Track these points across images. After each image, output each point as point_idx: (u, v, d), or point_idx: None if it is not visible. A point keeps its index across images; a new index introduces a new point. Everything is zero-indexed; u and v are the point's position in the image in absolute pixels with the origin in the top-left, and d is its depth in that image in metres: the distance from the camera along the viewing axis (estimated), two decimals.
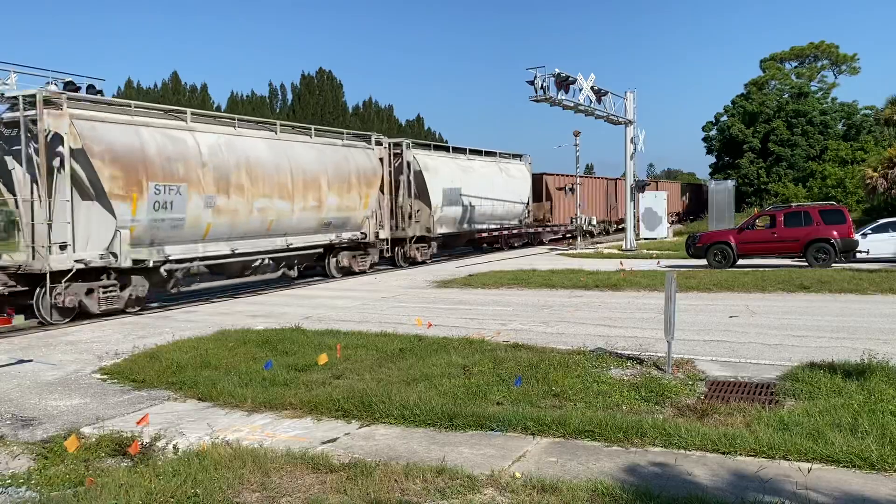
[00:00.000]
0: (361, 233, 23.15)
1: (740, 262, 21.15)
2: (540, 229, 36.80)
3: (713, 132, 61.25)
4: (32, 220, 13.98)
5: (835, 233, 20.00)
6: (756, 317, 12.48)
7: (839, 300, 14.37)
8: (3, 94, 14.45)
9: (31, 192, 14.09)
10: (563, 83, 25.20)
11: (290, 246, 19.94)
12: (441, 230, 27.81)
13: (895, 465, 5.26)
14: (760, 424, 6.13)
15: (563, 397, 7.29)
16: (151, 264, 15.55)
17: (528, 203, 35.19)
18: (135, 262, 15.16)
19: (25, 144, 14.06)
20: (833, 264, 19.82)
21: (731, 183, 43.91)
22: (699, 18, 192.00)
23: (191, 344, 10.73)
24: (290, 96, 63.79)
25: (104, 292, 14.90)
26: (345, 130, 23.81)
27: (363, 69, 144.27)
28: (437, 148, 29.80)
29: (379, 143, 24.47)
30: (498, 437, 6.35)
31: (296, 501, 4.98)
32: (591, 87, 26.80)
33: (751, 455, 5.59)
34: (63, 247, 14.14)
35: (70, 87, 15.94)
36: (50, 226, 14.00)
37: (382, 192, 24.42)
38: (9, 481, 5.68)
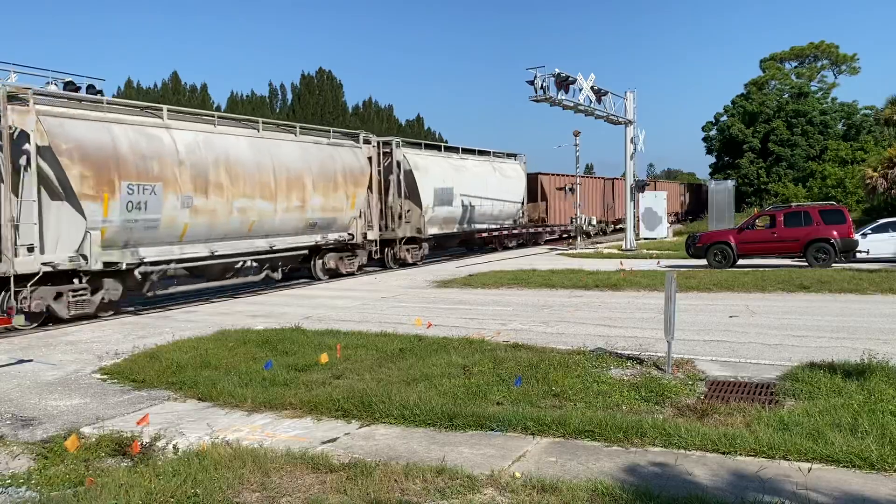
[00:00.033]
0: (348, 234, 22.53)
1: (740, 262, 21.15)
2: (537, 230, 36.58)
3: (713, 132, 61.35)
4: None
5: (835, 233, 20.01)
6: (756, 317, 12.48)
7: (839, 300, 14.38)
8: None
9: None
10: (563, 83, 25.21)
11: (274, 247, 19.25)
12: (432, 231, 27.16)
13: (895, 465, 5.26)
14: (760, 424, 6.13)
15: (563, 397, 7.29)
16: (125, 267, 14.99)
17: (522, 203, 34.68)
18: (106, 264, 14.57)
19: None
20: (833, 264, 19.83)
21: (730, 183, 43.92)
22: (699, 18, 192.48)
23: (191, 344, 10.73)
24: (290, 96, 63.94)
25: (74, 296, 14.31)
26: (332, 129, 23.26)
27: (363, 69, 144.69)
28: (428, 147, 28.94)
29: (367, 142, 23.76)
30: (498, 436, 6.35)
31: (296, 501, 4.98)
32: (591, 87, 26.80)
33: (751, 455, 5.59)
34: (30, 249, 13.51)
35: (70, 87, 15.90)
36: (16, 227, 13.32)
37: (371, 192, 23.82)
38: (9, 481, 5.68)
